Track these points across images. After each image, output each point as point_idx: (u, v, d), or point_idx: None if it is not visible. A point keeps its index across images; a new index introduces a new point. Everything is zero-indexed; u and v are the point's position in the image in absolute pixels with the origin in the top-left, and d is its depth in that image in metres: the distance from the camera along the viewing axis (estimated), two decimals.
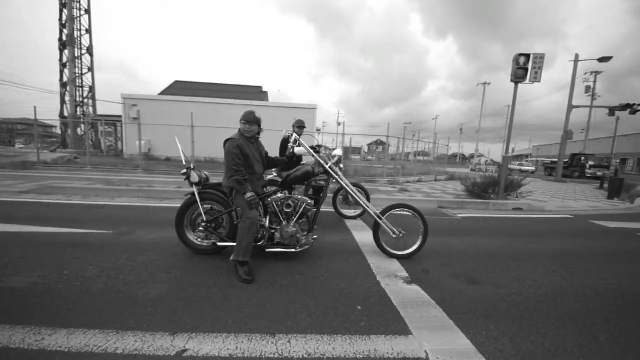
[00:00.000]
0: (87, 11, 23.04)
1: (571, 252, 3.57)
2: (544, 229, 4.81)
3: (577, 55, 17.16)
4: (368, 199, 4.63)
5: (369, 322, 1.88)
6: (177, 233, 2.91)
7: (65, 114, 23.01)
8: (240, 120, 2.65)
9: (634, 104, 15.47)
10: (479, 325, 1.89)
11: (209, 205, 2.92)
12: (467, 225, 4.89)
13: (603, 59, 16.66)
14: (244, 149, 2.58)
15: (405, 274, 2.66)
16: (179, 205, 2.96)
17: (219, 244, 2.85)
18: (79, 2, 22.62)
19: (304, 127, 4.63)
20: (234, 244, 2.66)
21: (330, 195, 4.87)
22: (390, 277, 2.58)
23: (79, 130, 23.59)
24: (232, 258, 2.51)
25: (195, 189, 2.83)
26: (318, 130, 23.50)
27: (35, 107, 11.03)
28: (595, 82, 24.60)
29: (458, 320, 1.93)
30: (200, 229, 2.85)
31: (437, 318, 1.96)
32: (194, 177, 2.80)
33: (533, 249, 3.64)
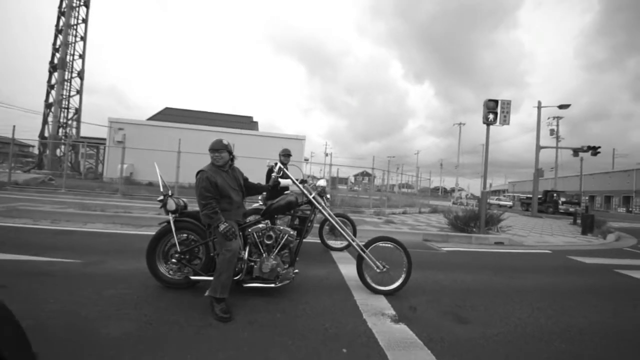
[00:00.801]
0: (83, 39, 23.59)
1: (553, 288, 3.60)
2: (526, 265, 4.88)
3: (539, 102, 19.00)
4: (354, 230, 4.60)
5: None
6: (148, 264, 2.70)
7: (46, 134, 22.34)
8: (209, 150, 2.58)
9: (594, 147, 16.97)
10: None
11: (185, 235, 2.77)
12: (452, 259, 4.90)
13: (562, 106, 18.51)
14: (215, 179, 2.50)
15: (392, 311, 2.57)
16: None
17: (192, 277, 2.66)
18: (76, 30, 23.23)
19: (290, 155, 4.69)
20: (209, 278, 2.50)
21: (316, 225, 4.80)
22: (377, 315, 2.48)
23: (58, 151, 22.77)
24: (207, 293, 2.33)
25: (170, 217, 2.69)
26: (306, 160, 23.88)
27: (14, 126, 10.69)
28: (558, 125, 26.97)
29: None
30: (173, 260, 2.64)
31: None
32: (171, 204, 2.67)
33: (516, 284, 3.65)
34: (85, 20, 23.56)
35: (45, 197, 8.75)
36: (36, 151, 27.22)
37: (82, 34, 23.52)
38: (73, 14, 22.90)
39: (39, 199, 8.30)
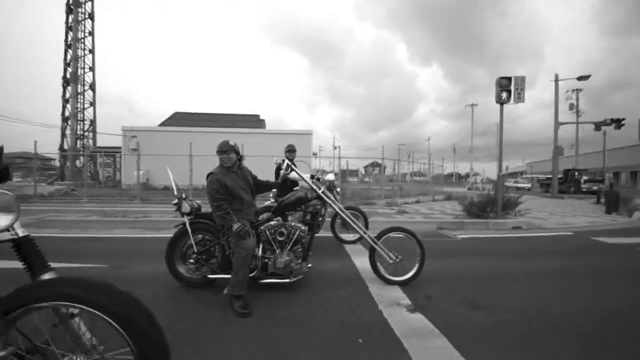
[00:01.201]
0: (91, 51, 24.28)
1: (574, 271, 3.51)
2: (545, 248, 4.75)
3: (557, 75, 18.05)
4: (366, 223, 4.60)
5: (372, 355, 1.80)
6: (167, 265, 2.83)
7: (65, 147, 23.35)
8: (217, 152, 2.64)
9: (618, 119, 16.03)
10: (484, 354, 1.81)
11: (201, 235, 2.87)
12: (468, 246, 4.83)
13: (582, 78, 17.49)
14: (225, 181, 2.56)
15: (407, 301, 2.59)
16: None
17: (210, 276, 2.76)
18: (84, 43, 23.91)
19: (294, 150, 4.72)
20: (227, 276, 2.58)
21: (328, 219, 4.84)
22: (392, 305, 2.50)
23: (77, 162, 23.80)
24: (226, 292, 2.42)
25: (186, 219, 2.79)
26: (315, 154, 23.86)
27: (35, 142, 11.22)
28: (577, 99, 25.61)
29: (463, 349, 1.85)
30: (191, 260, 2.75)
31: (442, 348, 1.88)
32: (185, 207, 2.77)
33: (535, 269, 3.57)
34: (92, 33, 24.21)
35: (69, 207, 9.20)
36: (57, 163, 28.53)
37: (90, 47, 24.21)
38: (80, 28, 23.56)
39: (64, 209, 8.74)
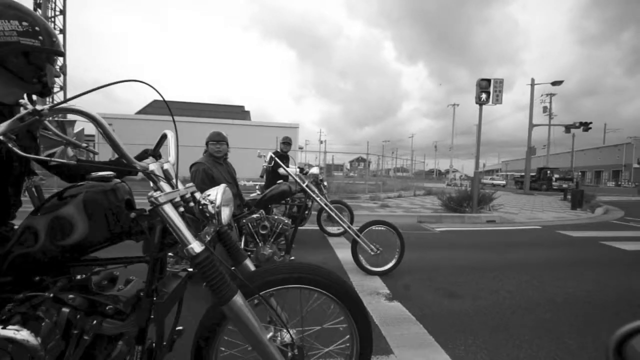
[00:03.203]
0: (62, 31, 22.56)
1: (541, 261, 3.76)
2: (516, 240, 5.05)
3: (533, 80, 18.91)
4: (352, 216, 4.68)
5: None
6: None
7: None
8: (209, 142, 2.61)
9: (586, 122, 17.14)
10: (457, 340, 1.92)
11: None
12: (445, 238, 5.04)
13: (555, 83, 18.45)
14: (211, 172, 2.53)
15: (386, 290, 2.68)
16: None
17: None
18: (54, 21, 22.17)
19: (290, 143, 4.68)
20: None
21: (314, 212, 4.87)
22: (372, 294, 2.59)
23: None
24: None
25: None
26: (301, 148, 23.76)
27: None
28: (550, 103, 27.02)
29: (438, 335, 1.95)
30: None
31: (417, 335, 1.97)
32: None
33: (506, 260, 3.80)
34: (62, 12, 22.46)
35: None
36: None
37: (61, 27, 22.48)
38: (50, 5, 21.79)
39: None
